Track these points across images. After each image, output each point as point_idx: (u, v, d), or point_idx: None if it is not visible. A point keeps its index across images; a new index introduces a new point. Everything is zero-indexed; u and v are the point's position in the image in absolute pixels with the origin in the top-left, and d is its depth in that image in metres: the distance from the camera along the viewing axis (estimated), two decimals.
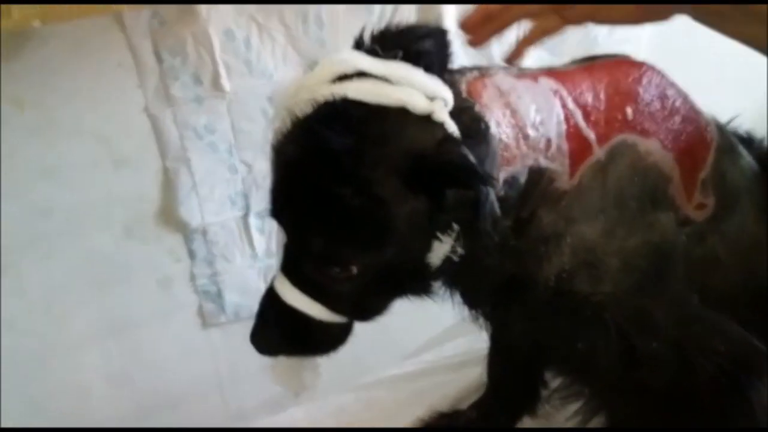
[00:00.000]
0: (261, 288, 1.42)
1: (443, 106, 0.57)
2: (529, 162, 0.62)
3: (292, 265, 0.62)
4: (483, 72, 0.64)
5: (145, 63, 1.16)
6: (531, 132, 0.62)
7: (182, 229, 1.32)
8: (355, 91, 0.57)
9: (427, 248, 0.59)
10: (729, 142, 0.73)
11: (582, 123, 0.64)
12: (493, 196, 0.56)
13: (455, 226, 0.58)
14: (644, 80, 0.67)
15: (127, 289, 1.33)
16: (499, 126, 0.61)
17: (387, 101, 0.56)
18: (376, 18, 1.25)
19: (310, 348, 0.66)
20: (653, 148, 0.65)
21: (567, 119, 0.63)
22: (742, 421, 0.65)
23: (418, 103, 0.56)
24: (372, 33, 0.61)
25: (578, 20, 0.73)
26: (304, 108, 0.58)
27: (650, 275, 0.64)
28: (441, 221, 0.57)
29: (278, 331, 0.64)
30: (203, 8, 1.13)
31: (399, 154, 0.55)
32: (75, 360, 1.32)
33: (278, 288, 0.62)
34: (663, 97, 0.67)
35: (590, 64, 0.70)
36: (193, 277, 1.39)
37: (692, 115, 0.69)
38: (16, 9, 0.79)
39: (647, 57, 1.56)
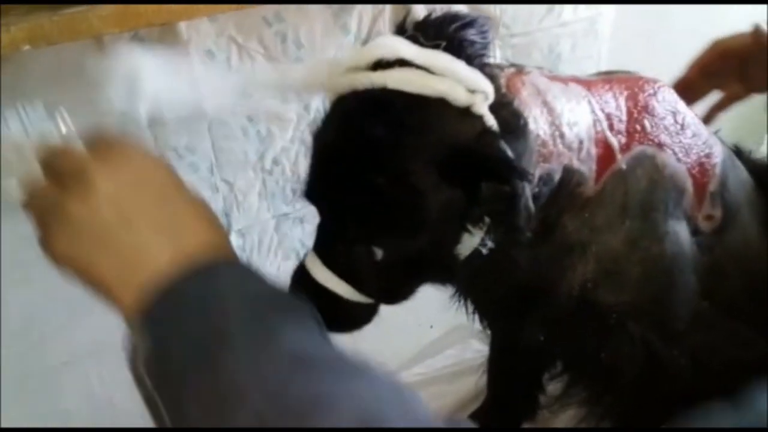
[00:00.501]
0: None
1: (484, 100, 0.57)
2: (565, 161, 0.63)
3: (324, 246, 0.64)
4: (519, 69, 0.66)
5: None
6: (567, 131, 0.63)
7: None
8: (396, 80, 0.56)
9: (457, 240, 0.60)
10: (730, 155, 0.77)
11: (607, 130, 0.66)
12: (528, 192, 0.58)
13: (487, 220, 0.59)
14: (658, 95, 0.70)
15: (106, 312, 1.31)
16: (537, 122, 0.62)
17: (428, 92, 0.56)
18: (353, 38, 1.28)
19: (335, 325, 0.65)
20: (669, 160, 0.68)
21: (595, 125, 0.66)
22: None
23: (459, 96, 0.56)
24: (415, 20, 0.61)
25: (760, 89, 0.82)
26: (344, 94, 0.59)
27: (668, 284, 0.67)
28: (474, 214, 0.58)
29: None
30: (183, 29, 1.14)
31: (437, 146, 0.56)
32: (55, 384, 1.30)
33: (309, 266, 0.64)
34: (675, 112, 0.70)
35: (608, 77, 0.73)
36: None
37: (700, 131, 0.72)
38: (4, 33, 0.79)
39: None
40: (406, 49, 0.58)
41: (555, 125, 0.63)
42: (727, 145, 0.78)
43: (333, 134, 0.60)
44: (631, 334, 0.66)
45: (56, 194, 0.52)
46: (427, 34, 0.59)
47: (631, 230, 0.66)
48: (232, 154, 1.29)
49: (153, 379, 0.49)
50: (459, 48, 0.59)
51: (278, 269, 1.40)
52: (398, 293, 0.66)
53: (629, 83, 0.71)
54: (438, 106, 0.56)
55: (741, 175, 0.76)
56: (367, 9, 1.28)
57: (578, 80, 0.70)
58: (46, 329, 1.26)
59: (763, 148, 1.69)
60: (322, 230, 0.64)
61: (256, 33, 1.21)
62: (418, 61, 0.57)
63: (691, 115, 0.72)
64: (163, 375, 0.49)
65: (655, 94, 0.71)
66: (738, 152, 0.81)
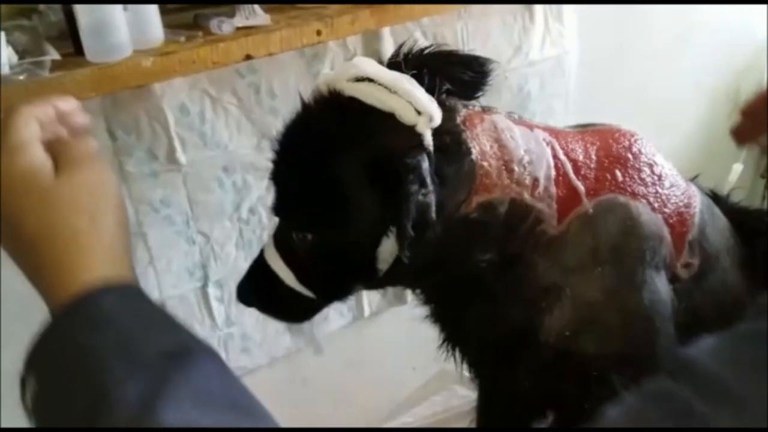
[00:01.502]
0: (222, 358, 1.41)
1: (428, 121, 0.61)
2: (511, 194, 0.65)
3: (279, 231, 0.70)
4: (487, 109, 0.70)
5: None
6: (516, 167, 0.66)
7: None
8: (354, 89, 0.62)
9: (377, 240, 0.63)
10: (708, 204, 0.78)
11: (571, 173, 0.68)
12: (430, 200, 0.61)
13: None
14: (634, 148, 0.72)
15: None
16: (484, 155, 0.65)
17: (380, 105, 0.62)
18: None
19: (275, 309, 0.74)
20: (643, 209, 0.69)
21: (557, 167, 0.67)
22: None
23: (406, 113, 0.61)
24: (406, 49, 0.67)
25: None
26: (307, 98, 0.66)
27: (650, 334, 0.68)
28: (389, 218, 0.62)
29: (254, 287, 0.72)
30: (157, 86, 1.13)
31: (370, 148, 0.61)
32: None
33: (266, 250, 0.71)
34: (652, 164, 0.72)
35: (584, 129, 0.74)
36: None
37: (678, 181, 0.74)
38: None
39: (574, 111, 1.66)
40: (372, 68, 0.64)
41: (503, 160, 0.66)
42: (705, 192, 0.80)
43: (288, 128, 0.67)
44: (613, 385, 0.66)
45: None
46: (408, 62, 0.65)
47: (606, 277, 0.67)
48: (208, 205, 1.28)
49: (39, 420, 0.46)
50: (431, 80, 0.64)
51: (256, 320, 1.39)
52: (329, 287, 0.70)
53: (603, 135, 0.73)
54: (386, 118, 0.62)
55: (719, 221, 0.78)
56: (339, 56, 1.29)
57: (548, 128, 0.72)
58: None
59: (732, 177, 1.74)
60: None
61: (229, 85, 1.21)
62: (380, 80, 0.62)
63: (668, 166, 0.74)
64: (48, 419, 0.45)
65: (630, 146, 0.72)
66: (715, 197, 0.83)
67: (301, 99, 0.66)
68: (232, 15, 0.97)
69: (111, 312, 0.45)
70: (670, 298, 0.70)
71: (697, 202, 0.75)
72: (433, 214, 0.62)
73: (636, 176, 0.70)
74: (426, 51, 0.66)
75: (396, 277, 0.68)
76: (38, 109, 0.52)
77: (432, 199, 0.61)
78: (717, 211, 0.79)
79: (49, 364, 0.45)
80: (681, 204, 0.72)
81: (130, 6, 0.88)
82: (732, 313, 0.74)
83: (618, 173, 0.69)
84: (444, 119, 0.63)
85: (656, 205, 0.70)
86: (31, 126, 0.50)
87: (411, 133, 0.61)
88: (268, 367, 1.50)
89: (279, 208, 0.69)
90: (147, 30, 0.90)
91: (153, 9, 0.90)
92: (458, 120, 0.66)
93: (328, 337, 1.54)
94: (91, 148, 0.54)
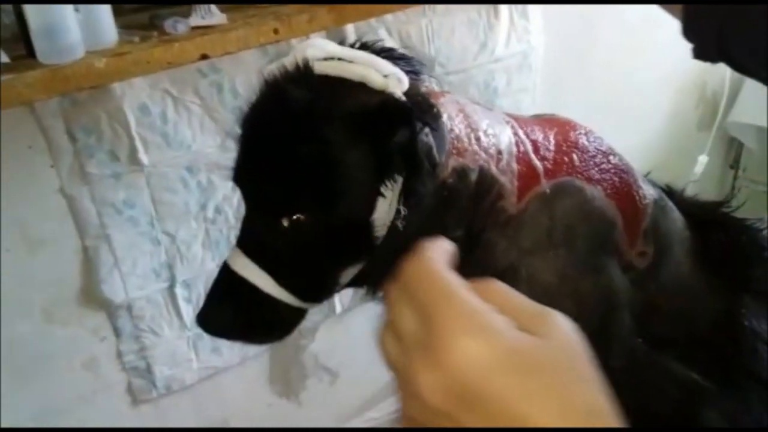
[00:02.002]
0: (192, 358, 1.42)
1: (397, 82, 0.61)
2: (480, 162, 0.65)
3: (248, 237, 0.64)
4: (444, 91, 0.69)
5: (58, 143, 1.14)
6: (482, 136, 0.65)
7: (106, 307, 1.29)
8: (321, 65, 0.61)
9: (372, 206, 0.61)
10: (661, 195, 0.79)
11: (531, 151, 0.67)
12: (431, 141, 0.60)
13: (398, 178, 0.60)
14: (589, 136, 0.72)
15: (51, 375, 1.28)
16: (452, 120, 0.64)
17: (348, 75, 0.60)
18: None
19: (253, 327, 0.65)
20: (598, 194, 0.69)
21: (517, 144, 0.67)
22: None
23: (374, 78, 0.60)
24: (352, 44, 0.66)
25: None
26: (271, 75, 0.63)
27: (603, 320, 0.68)
28: (385, 172, 0.60)
29: (226, 307, 0.64)
30: (117, 86, 1.12)
31: (350, 108, 0.59)
32: None
33: (230, 260, 0.63)
34: (606, 153, 0.72)
35: (540, 117, 0.74)
36: (120, 355, 1.35)
37: (629, 171, 0.74)
38: None
39: (541, 105, 1.67)
40: (332, 46, 0.63)
41: (471, 128, 0.65)
42: (659, 186, 0.81)
43: (257, 105, 0.63)
44: None
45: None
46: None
47: (560, 259, 0.67)
48: (172, 206, 1.27)
49: None
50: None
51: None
52: (317, 284, 0.65)
53: (560, 122, 0.73)
54: (357, 85, 0.61)
55: (672, 214, 0.78)
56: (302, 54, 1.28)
57: (507, 113, 0.72)
58: None
59: (698, 168, 1.76)
60: (246, 223, 0.65)
61: (191, 85, 1.21)
62: (341, 54, 0.62)
63: (620, 156, 0.74)
64: None
65: (585, 134, 0.72)
66: (670, 192, 0.83)
67: (266, 79, 0.64)
68: (188, 15, 0.97)
69: None
70: (626, 286, 0.70)
71: (650, 192, 0.75)
72: (437, 155, 0.61)
73: (592, 162, 0.70)
74: (370, 45, 0.66)
75: (383, 261, 0.64)
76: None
77: (432, 140, 0.60)
78: (670, 203, 0.79)
79: None
80: (634, 193, 0.72)
81: (81, 7, 0.87)
82: (686, 304, 0.75)
83: (575, 157, 0.69)
84: (410, 86, 0.62)
85: (610, 191, 0.70)
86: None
87: (384, 94, 0.61)
88: (240, 366, 1.50)
89: (263, 195, 0.62)
90: (100, 31, 0.90)
91: (106, 10, 0.90)
92: (423, 90, 0.65)
93: (297, 335, 1.54)
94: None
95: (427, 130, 0.60)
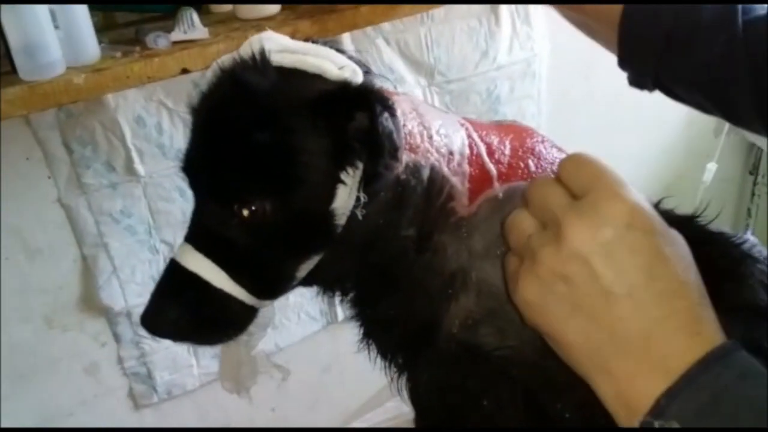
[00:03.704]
0: (192, 364, 1.44)
1: (352, 74, 0.61)
2: (432, 160, 0.64)
3: (198, 231, 0.62)
4: (398, 91, 0.69)
5: (55, 154, 1.17)
6: (434, 135, 0.65)
7: (105, 313, 1.31)
8: (276, 56, 0.61)
9: (332, 193, 0.59)
10: None
11: (484, 154, 0.67)
12: (391, 126, 0.59)
13: (359, 164, 0.59)
14: (546, 143, 0.71)
15: (52, 380, 1.31)
16: (405, 116, 0.64)
17: (304, 67, 0.60)
18: None
19: (204, 325, 0.62)
20: None
21: (470, 147, 0.66)
22: None
23: (330, 69, 0.60)
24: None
25: None
26: (226, 64, 0.62)
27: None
28: (345, 157, 0.59)
29: (174, 306, 0.61)
30: (111, 98, 1.15)
31: (308, 94, 0.59)
32: None
33: (179, 256, 0.61)
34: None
35: (498, 123, 0.74)
36: (120, 361, 1.38)
37: None
38: None
39: (547, 112, 1.64)
40: (287, 40, 0.63)
41: (424, 126, 0.65)
42: None
43: (211, 95, 0.62)
44: (514, 382, 0.65)
45: (534, 230, 0.48)
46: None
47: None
48: (170, 215, 1.29)
49: None
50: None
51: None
52: (273, 278, 0.63)
53: (518, 129, 0.73)
54: (314, 76, 0.60)
55: None
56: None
57: (464, 117, 0.71)
58: None
59: (707, 176, 1.71)
60: (196, 216, 0.63)
61: (185, 96, 1.22)
62: (297, 48, 0.62)
63: None
64: None
65: (542, 142, 0.72)
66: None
67: (220, 68, 0.62)
68: (171, 29, 0.98)
69: (752, 365, 0.42)
70: None
71: None
72: (397, 140, 0.60)
73: (549, 169, 0.69)
74: (321, 43, 0.66)
75: (339, 255, 0.64)
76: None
77: (392, 125, 0.59)
78: None
79: (703, 408, 0.41)
80: None
81: (62, 24, 0.89)
82: None
83: (531, 163, 0.68)
84: (365, 80, 0.63)
85: None
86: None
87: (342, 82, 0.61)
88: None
89: (219, 184, 0.60)
90: (82, 47, 0.91)
91: (87, 27, 0.92)
92: (376, 86, 0.65)
93: (301, 341, 1.55)
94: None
95: (386, 114, 0.59)
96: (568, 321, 0.46)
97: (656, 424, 0.41)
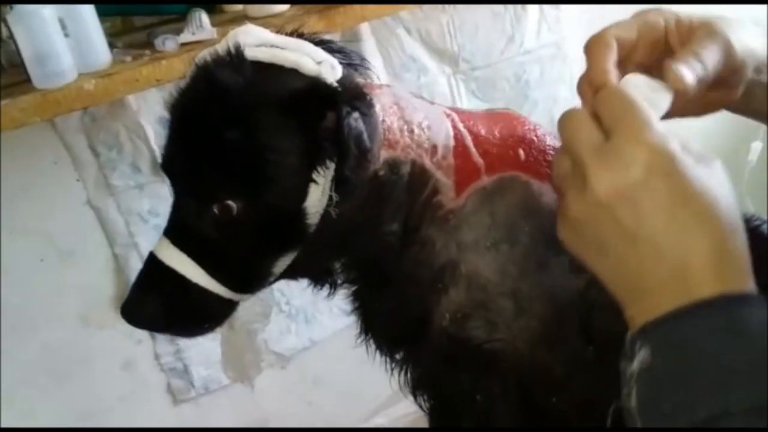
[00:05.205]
0: (235, 347, 1.45)
1: (330, 68, 0.60)
2: (412, 155, 0.63)
3: (176, 226, 0.62)
4: (384, 84, 0.68)
5: (82, 158, 1.20)
6: (416, 129, 0.63)
7: None
8: (253, 51, 0.60)
9: (304, 192, 0.59)
10: None
11: (471, 146, 0.65)
12: (361, 126, 0.58)
13: (330, 164, 0.59)
14: (538, 131, 0.69)
15: (90, 377, 1.35)
16: (385, 111, 0.63)
17: (281, 62, 0.60)
18: None
19: (180, 319, 0.64)
20: (546, 190, 0.66)
21: (456, 138, 0.65)
22: None
23: (306, 64, 0.60)
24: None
25: None
26: (202, 60, 0.62)
27: (546, 324, 0.65)
28: (316, 157, 0.59)
29: (152, 299, 0.62)
30: (132, 101, 1.17)
31: (279, 92, 0.59)
32: None
33: (157, 250, 0.62)
34: (556, 149, 0.69)
35: (489, 112, 0.72)
36: (157, 357, 1.41)
37: None
38: None
39: None
40: (266, 34, 0.62)
41: (404, 120, 0.63)
42: None
43: (186, 92, 0.62)
44: (505, 376, 0.63)
45: (569, 173, 0.49)
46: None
47: (500, 256, 0.64)
48: None
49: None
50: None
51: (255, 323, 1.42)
52: (249, 273, 0.63)
53: (508, 117, 0.70)
54: (290, 71, 0.60)
55: None
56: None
57: (450, 107, 0.70)
58: (31, 399, 1.30)
59: (752, 156, 1.64)
60: (175, 212, 0.63)
61: None
62: (275, 42, 0.61)
63: None
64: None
65: (534, 130, 0.69)
66: None
67: (196, 64, 0.62)
68: (180, 31, 0.99)
69: (756, 324, 0.42)
70: (576, 288, 0.66)
71: None
72: (367, 141, 0.59)
73: (541, 158, 0.67)
74: (306, 35, 0.65)
75: (314, 252, 0.64)
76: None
77: (362, 125, 0.58)
78: None
79: (671, 346, 0.43)
80: None
81: (72, 32, 0.91)
82: None
83: (521, 152, 0.66)
84: (344, 74, 0.62)
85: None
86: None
87: (317, 80, 0.60)
88: (278, 366, 1.53)
89: (192, 181, 0.61)
90: (93, 53, 0.93)
91: (97, 33, 0.93)
92: (358, 80, 0.64)
93: (334, 335, 1.56)
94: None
95: (356, 115, 0.58)
96: (599, 259, 0.48)
97: (628, 338, 0.45)
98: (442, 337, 0.64)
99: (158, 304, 0.62)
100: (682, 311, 0.43)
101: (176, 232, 0.62)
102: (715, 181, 0.46)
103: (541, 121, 0.72)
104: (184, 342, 1.41)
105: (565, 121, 0.49)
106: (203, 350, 1.43)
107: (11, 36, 0.90)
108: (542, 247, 0.65)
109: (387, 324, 0.70)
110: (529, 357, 0.64)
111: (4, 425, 1.28)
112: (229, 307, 0.65)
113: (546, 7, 1.47)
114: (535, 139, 0.68)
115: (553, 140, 0.70)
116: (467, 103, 1.48)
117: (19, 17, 0.87)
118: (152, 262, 0.62)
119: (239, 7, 1.08)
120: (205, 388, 1.47)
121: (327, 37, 0.70)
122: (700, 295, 0.43)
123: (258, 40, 0.62)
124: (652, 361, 0.43)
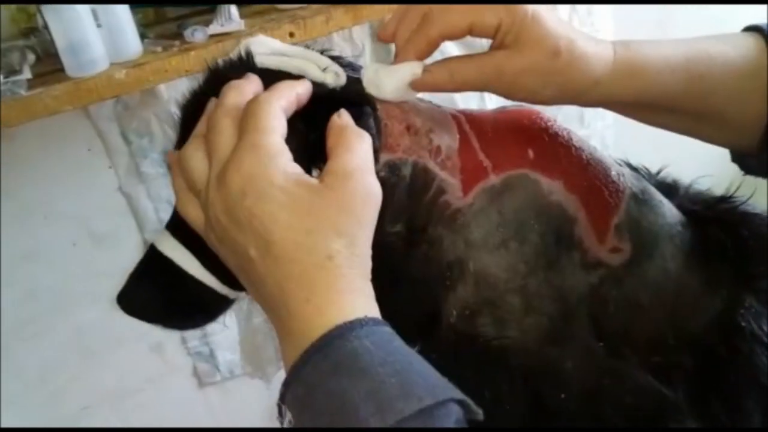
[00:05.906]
0: (252, 343, 1.48)
1: (335, 75, 0.62)
2: (414, 157, 0.64)
3: (177, 217, 0.63)
4: None
5: (114, 145, 1.23)
6: (418, 132, 0.64)
7: None
8: (262, 59, 0.63)
9: None
10: (645, 189, 0.74)
11: (477, 146, 0.66)
12: (372, 125, 0.59)
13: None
14: (551, 129, 0.69)
15: (119, 358, 1.39)
16: (387, 114, 0.64)
17: (288, 69, 0.62)
18: None
19: (177, 311, 0.65)
20: (556, 188, 0.66)
21: (462, 139, 0.66)
22: None
23: (312, 70, 0.62)
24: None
25: None
26: (215, 64, 0.64)
27: (556, 321, 0.65)
28: (319, 158, 0.59)
29: (149, 288, 0.64)
30: (163, 90, 1.19)
31: None
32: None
33: (157, 241, 0.64)
34: (569, 146, 0.68)
35: (500, 110, 0.72)
36: (184, 341, 1.44)
37: (600, 165, 0.70)
38: None
39: None
40: (276, 43, 0.64)
41: (407, 123, 0.64)
42: (649, 180, 0.76)
43: (199, 95, 0.63)
44: (513, 373, 0.64)
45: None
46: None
47: (509, 254, 0.64)
48: None
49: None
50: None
51: None
52: None
53: (519, 114, 0.70)
54: (295, 77, 0.61)
55: (660, 208, 0.72)
56: (346, 50, 1.30)
57: (460, 110, 0.70)
58: (63, 380, 1.35)
59: None
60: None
61: None
62: (283, 51, 0.63)
63: (591, 148, 0.70)
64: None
65: (546, 128, 0.69)
66: (675, 187, 0.77)
67: (209, 67, 0.64)
68: (209, 23, 1.01)
69: (362, 354, 0.44)
70: (587, 285, 0.66)
71: (626, 185, 0.70)
72: (376, 140, 0.60)
73: (551, 156, 0.67)
74: (310, 46, 0.67)
75: None
76: (284, 100, 0.53)
77: (372, 123, 0.60)
78: (658, 198, 0.74)
79: (301, 400, 0.45)
80: (604, 187, 0.68)
81: (104, 22, 0.93)
82: (675, 303, 0.70)
83: (530, 151, 0.66)
84: (349, 81, 0.63)
85: (571, 185, 0.67)
86: (282, 121, 0.51)
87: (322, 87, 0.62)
88: None
89: None
90: (124, 43, 0.96)
91: (129, 24, 0.96)
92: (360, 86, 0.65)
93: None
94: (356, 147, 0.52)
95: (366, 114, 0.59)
96: (239, 275, 0.51)
97: (283, 409, 0.45)
98: (449, 333, 0.65)
99: (153, 294, 0.64)
100: (303, 359, 0.44)
101: (177, 224, 0.63)
102: (340, 199, 0.49)
103: (570, 116, 0.72)
104: (210, 327, 1.43)
105: (181, 154, 0.54)
106: (229, 335, 1.46)
107: (46, 26, 0.93)
108: (552, 244, 0.65)
109: (397, 323, 0.71)
110: (537, 354, 0.64)
111: (37, 402, 1.33)
112: (224, 302, 0.66)
113: (577, 21, 1.47)
114: (545, 137, 0.68)
115: (567, 136, 0.70)
116: (496, 100, 1.47)
117: (54, 9, 0.89)
118: (152, 252, 0.64)
119: None
120: (230, 372, 1.50)
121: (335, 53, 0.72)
122: (312, 338, 0.44)
123: (268, 49, 0.64)
124: (296, 422, 0.44)
